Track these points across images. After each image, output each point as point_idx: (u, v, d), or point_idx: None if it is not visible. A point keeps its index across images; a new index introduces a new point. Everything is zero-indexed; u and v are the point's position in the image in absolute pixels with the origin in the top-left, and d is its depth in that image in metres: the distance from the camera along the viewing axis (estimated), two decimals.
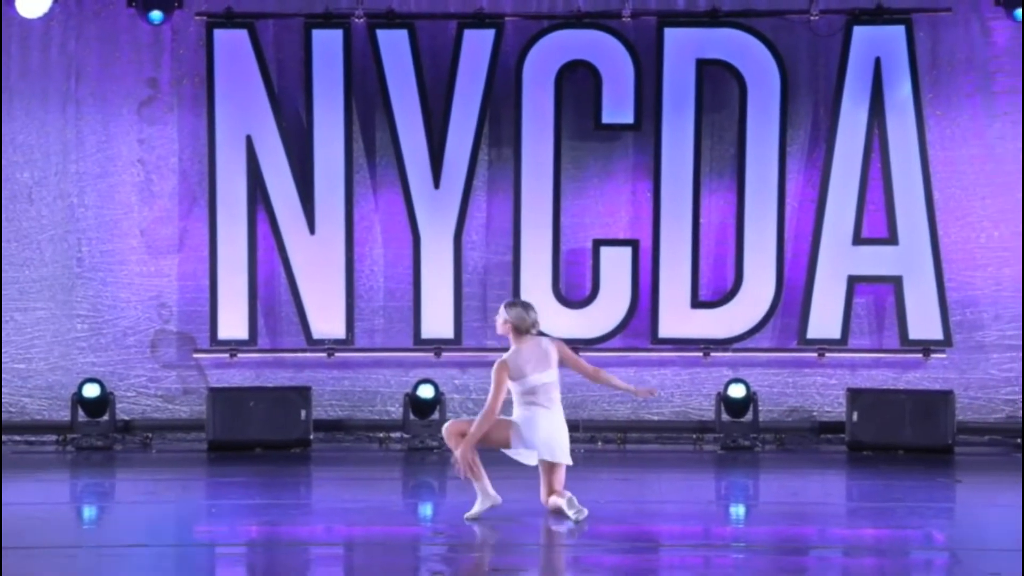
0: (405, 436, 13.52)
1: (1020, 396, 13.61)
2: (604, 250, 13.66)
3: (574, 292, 13.75)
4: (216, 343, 13.67)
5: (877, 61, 13.46)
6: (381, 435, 13.77)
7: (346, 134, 13.59)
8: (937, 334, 13.53)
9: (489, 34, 13.53)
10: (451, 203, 13.58)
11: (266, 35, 13.68)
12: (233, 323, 13.58)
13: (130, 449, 13.44)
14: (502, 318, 10.03)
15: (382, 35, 13.57)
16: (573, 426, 13.69)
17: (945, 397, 13.30)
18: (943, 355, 13.58)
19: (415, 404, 13.46)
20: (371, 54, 13.59)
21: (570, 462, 9.98)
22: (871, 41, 13.45)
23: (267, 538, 9.22)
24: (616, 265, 13.63)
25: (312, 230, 13.65)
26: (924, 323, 13.53)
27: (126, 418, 13.71)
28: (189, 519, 9.92)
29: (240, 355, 13.70)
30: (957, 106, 13.58)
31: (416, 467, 12.69)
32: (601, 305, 13.65)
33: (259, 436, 13.29)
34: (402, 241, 13.72)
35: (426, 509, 10.85)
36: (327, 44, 13.57)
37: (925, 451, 13.05)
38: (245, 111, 13.55)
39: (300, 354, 13.75)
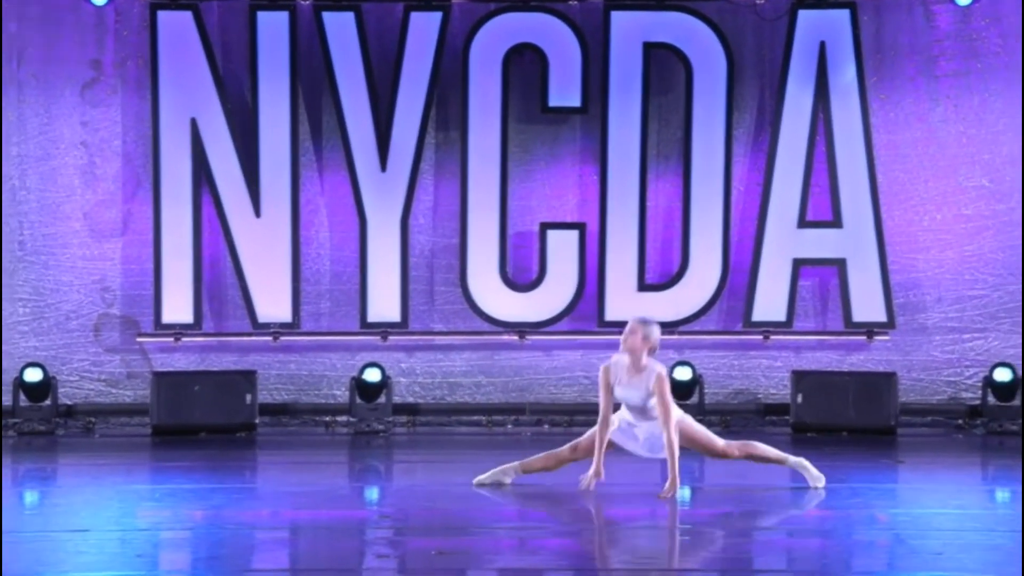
0: (351, 420, 13.46)
1: (975, 379, 13.72)
2: (551, 233, 13.64)
3: (521, 275, 13.73)
4: (160, 327, 13.56)
5: (822, 45, 13.49)
6: (327, 419, 13.70)
7: (292, 117, 13.50)
8: (880, 316, 13.62)
9: (436, 16, 13.47)
10: (398, 186, 13.52)
11: (211, 17, 13.57)
12: (178, 307, 13.48)
13: (73, 434, 13.32)
14: (642, 335, 9.83)
15: (328, 17, 13.48)
16: (519, 409, 13.83)
17: (888, 379, 13.39)
18: (886, 337, 13.67)
19: (361, 388, 13.40)
20: (317, 36, 13.50)
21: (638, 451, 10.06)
22: (816, 25, 13.48)
23: (212, 522, 9.18)
24: (563, 248, 13.61)
25: (258, 213, 13.56)
26: (868, 305, 13.61)
27: (69, 403, 13.59)
28: (132, 504, 9.86)
29: (185, 339, 13.60)
30: (900, 90, 13.65)
31: (362, 451, 12.66)
32: (548, 288, 13.63)
33: (204, 420, 13.20)
34: (348, 224, 13.65)
35: (372, 493, 10.81)
36: (272, 26, 13.47)
37: (868, 432, 13.13)
38: (190, 93, 13.43)
39: (245, 338, 13.66)
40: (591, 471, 9.97)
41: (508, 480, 10.16)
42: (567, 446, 10.20)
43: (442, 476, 11.15)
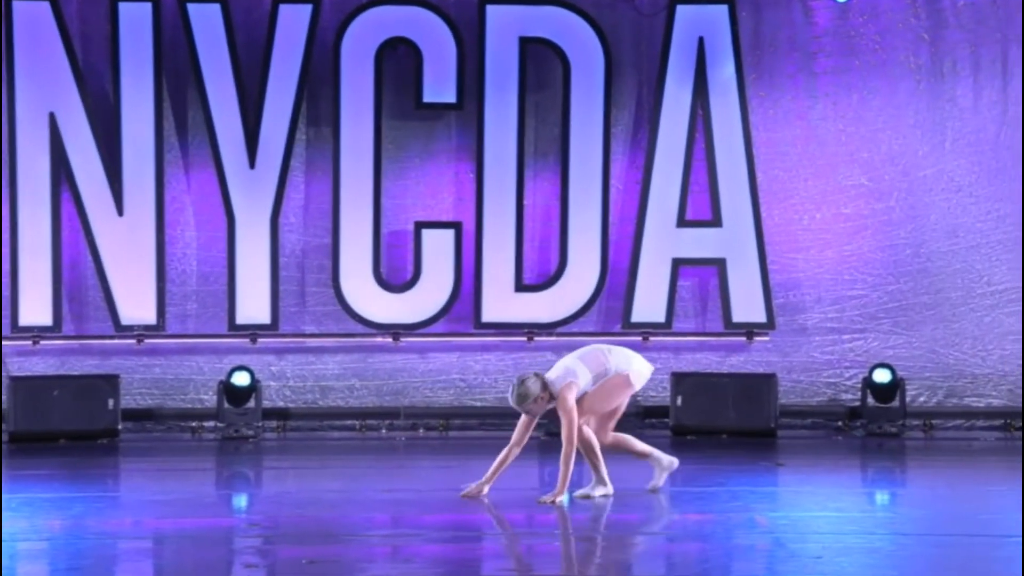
0: (219, 425, 13.33)
1: (855, 380, 13.89)
2: (426, 232, 13.60)
3: (395, 276, 13.67)
4: (17, 329, 13.34)
5: (700, 41, 13.58)
6: (194, 424, 13.57)
7: (156, 112, 13.35)
8: (760, 317, 13.74)
9: (306, 9, 13.38)
10: (267, 184, 13.42)
11: (69, 7, 13.36)
12: (36, 309, 13.27)
13: None
14: (531, 400, 9.75)
15: (193, 9, 13.33)
16: (393, 414, 13.77)
17: (768, 380, 13.50)
18: (766, 338, 13.79)
19: (230, 392, 13.29)
20: (182, 28, 13.35)
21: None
22: (694, 21, 13.56)
23: (71, 533, 9.02)
24: (438, 248, 13.58)
25: (120, 211, 13.38)
26: (747, 306, 13.73)
27: None
28: None
29: (43, 342, 13.38)
30: (780, 87, 13.78)
31: (230, 457, 12.54)
32: (423, 289, 13.59)
33: (63, 426, 13.00)
34: (216, 223, 13.51)
35: (240, 500, 10.71)
36: (135, 17, 13.29)
37: (748, 434, 13.23)
38: (47, 87, 13.22)
39: (108, 340, 13.48)
40: (479, 484, 9.93)
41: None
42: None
43: (314, 483, 11.06)
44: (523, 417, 9.92)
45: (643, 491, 10.24)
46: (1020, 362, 13.73)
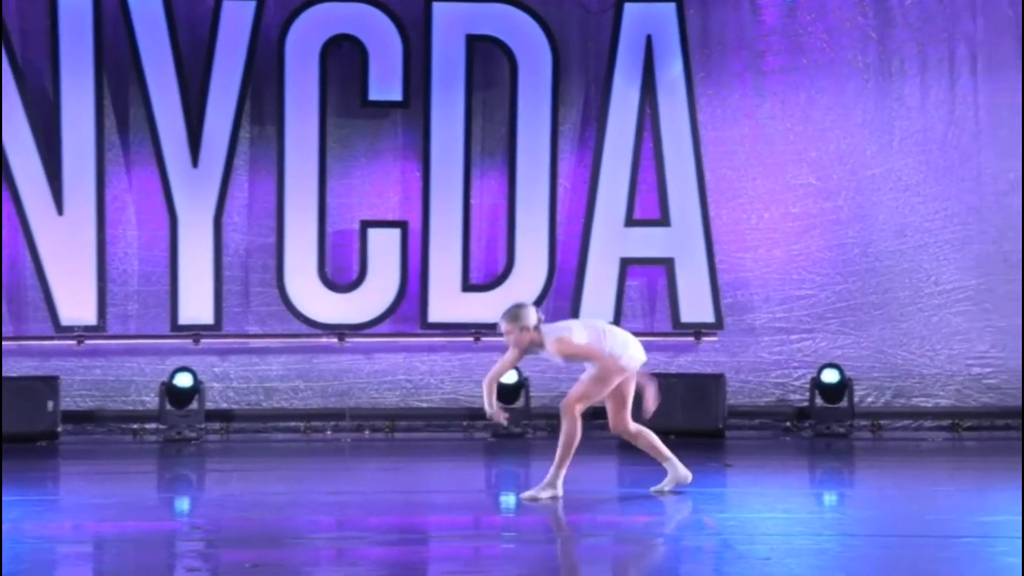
0: (161, 427, 13.26)
1: (803, 380, 13.92)
2: (372, 232, 13.55)
3: (341, 275, 13.62)
4: None
5: (648, 39, 13.58)
6: (135, 426, 13.49)
7: (97, 109, 13.25)
8: (708, 317, 13.75)
9: (249, 6, 13.31)
10: (210, 182, 13.36)
11: (8, 2, 13.23)
12: None
13: None
14: (518, 327, 9.66)
15: (135, 4, 13.24)
16: (339, 415, 13.72)
17: (716, 381, 13.52)
18: (714, 338, 13.80)
19: (172, 393, 13.22)
20: (123, 24, 13.26)
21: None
22: (642, 19, 13.56)
23: (10, 537, 8.91)
24: (384, 247, 13.54)
25: (60, 210, 13.28)
26: (695, 306, 13.74)
27: None
28: None
29: None
30: (728, 86, 13.80)
31: (172, 459, 12.46)
32: (369, 289, 13.55)
33: (2, 429, 12.87)
34: (158, 222, 13.43)
35: (183, 503, 10.63)
36: (75, 13, 13.19)
37: (696, 435, 13.22)
38: None
39: (47, 342, 13.37)
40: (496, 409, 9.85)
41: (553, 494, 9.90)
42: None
43: (257, 485, 11.01)
44: (515, 351, 9.75)
45: (592, 492, 10.21)
46: (966, 362, 13.81)
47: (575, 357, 9.82)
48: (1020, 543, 8.10)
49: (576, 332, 9.79)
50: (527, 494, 9.94)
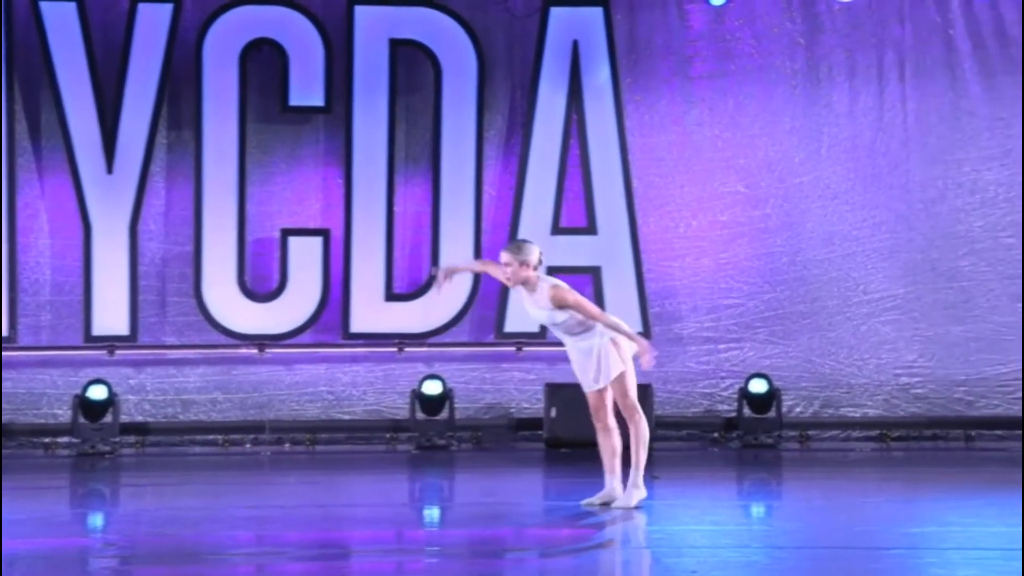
0: (74, 441, 13.12)
1: (731, 390, 13.91)
2: (293, 240, 13.47)
3: (261, 284, 13.53)
4: None
5: (575, 44, 13.57)
6: (47, 440, 13.33)
7: (7, 114, 13.09)
8: (636, 326, 13.67)
9: (166, 8, 13.21)
10: (126, 190, 13.24)
11: None
12: None
13: None
14: (518, 262, 9.67)
15: (46, 7, 13.11)
16: (258, 427, 13.59)
17: (643, 391, 13.36)
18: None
19: (85, 406, 13.08)
20: (35, 27, 13.10)
21: (591, 387, 9.84)
22: (568, 23, 13.55)
23: None
24: (306, 256, 13.45)
25: None
26: (623, 315, 13.44)
27: None
28: None
29: None
30: (655, 91, 13.79)
31: (86, 474, 12.31)
32: (290, 298, 13.46)
33: None
34: (71, 230, 13.29)
35: (96, 519, 10.49)
36: None
37: (624, 447, 13.17)
38: None
39: None
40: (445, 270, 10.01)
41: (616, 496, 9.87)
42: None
43: (174, 500, 10.89)
44: (498, 272, 9.78)
45: (516, 505, 10.16)
46: (894, 372, 13.86)
47: (569, 307, 9.67)
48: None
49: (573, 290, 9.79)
50: (619, 503, 9.80)
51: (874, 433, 13.86)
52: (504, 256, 9.74)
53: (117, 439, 13.11)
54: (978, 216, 13.88)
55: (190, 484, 11.67)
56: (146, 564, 8.51)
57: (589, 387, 9.90)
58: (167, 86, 13.23)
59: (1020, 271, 13.84)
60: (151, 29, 13.16)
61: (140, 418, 13.45)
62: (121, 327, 13.30)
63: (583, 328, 9.79)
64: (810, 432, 13.84)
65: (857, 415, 13.87)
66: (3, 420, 13.29)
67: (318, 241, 13.49)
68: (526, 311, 9.93)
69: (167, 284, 13.44)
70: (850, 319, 13.86)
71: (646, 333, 13.75)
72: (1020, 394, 13.81)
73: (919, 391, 13.85)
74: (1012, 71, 13.79)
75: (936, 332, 13.81)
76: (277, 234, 13.50)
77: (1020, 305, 13.85)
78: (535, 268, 9.72)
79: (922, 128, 13.84)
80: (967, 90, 13.80)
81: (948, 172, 13.87)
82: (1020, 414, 13.77)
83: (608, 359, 9.77)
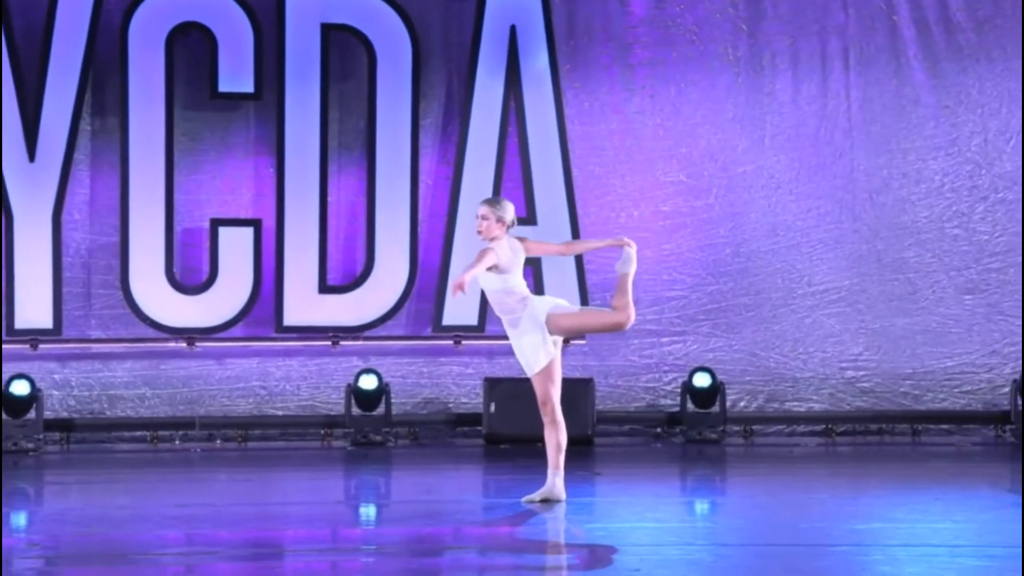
0: None
1: (674, 384, 13.87)
2: (223, 230, 13.38)
3: (190, 276, 13.42)
4: None
5: (512, 29, 13.50)
6: None
7: None
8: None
9: None
10: (48, 178, 13.12)
11: None
12: None
13: None
14: (494, 219, 9.81)
15: None
16: (188, 424, 13.45)
17: (584, 386, 13.42)
18: (583, 341, 13.71)
19: (8, 402, 12.94)
20: None
21: (529, 373, 9.84)
22: (506, 8, 13.49)
23: None
24: (236, 247, 13.38)
25: None
26: (561, 289, 13.45)
27: None
28: None
29: None
30: (595, 79, 13.74)
31: (8, 472, 12.14)
32: (220, 290, 13.38)
33: None
34: None
35: (19, 519, 10.34)
36: None
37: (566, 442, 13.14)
38: None
39: None
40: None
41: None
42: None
43: (100, 498, 10.81)
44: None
45: (455, 502, 10.07)
46: (840, 366, 13.86)
47: (531, 250, 9.98)
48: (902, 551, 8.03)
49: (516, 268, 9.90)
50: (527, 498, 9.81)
51: (819, 428, 13.85)
52: (482, 208, 9.91)
53: (41, 436, 12.97)
54: (923, 207, 13.89)
55: (117, 482, 11.57)
56: (72, 564, 8.40)
57: (531, 372, 9.85)
58: (91, 71, 13.11)
59: (967, 262, 13.86)
60: (73, 12, 13.04)
61: (65, 414, 13.33)
62: (44, 320, 13.18)
63: (523, 307, 9.72)
64: (755, 427, 13.82)
65: (802, 409, 13.85)
66: None
67: (249, 232, 13.38)
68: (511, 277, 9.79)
69: (92, 276, 13.31)
70: (795, 311, 13.84)
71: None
72: (969, 387, 13.86)
73: (865, 385, 13.85)
74: (957, 58, 13.80)
75: (882, 325, 13.82)
76: (207, 224, 13.38)
77: (968, 297, 13.88)
78: (508, 227, 9.86)
79: (866, 117, 13.84)
80: (912, 78, 13.81)
81: (893, 161, 13.87)
82: (969, 408, 13.82)
83: (536, 348, 9.71)
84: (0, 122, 13.02)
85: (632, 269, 10.11)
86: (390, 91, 13.45)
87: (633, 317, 10.00)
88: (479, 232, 9.91)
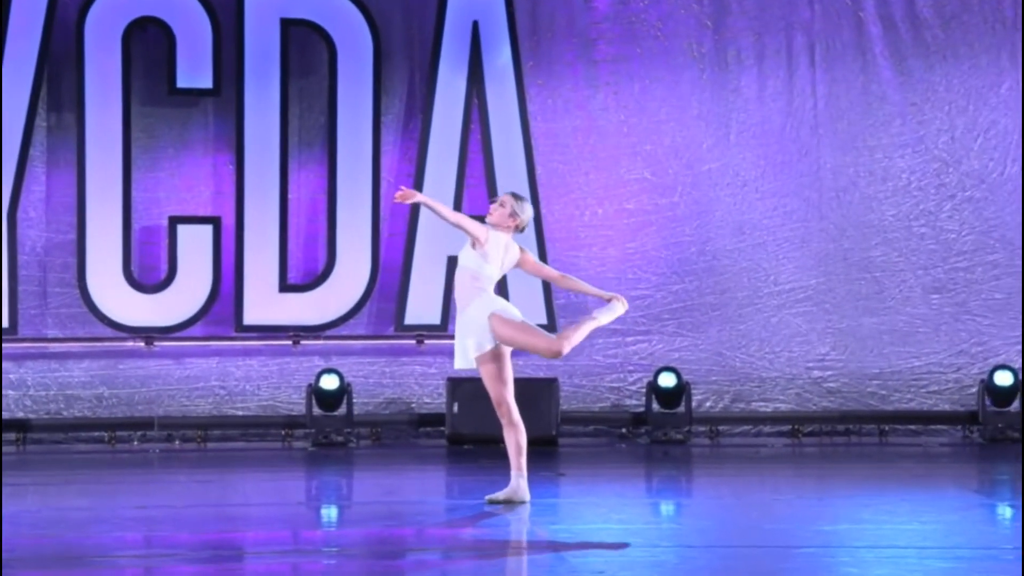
0: None
1: (639, 384, 13.87)
2: (182, 228, 13.35)
3: (148, 275, 13.38)
4: None
5: (475, 25, 13.50)
6: None
7: None
8: (541, 318, 13.61)
9: None
10: (3, 175, 13.00)
11: None
12: None
13: None
14: (510, 210, 9.82)
15: None
16: (146, 424, 13.41)
17: (549, 386, 13.42)
18: None
19: None
20: None
21: (461, 366, 9.86)
22: (468, 3, 13.48)
23: None
24: (195, 245, 13.34)
25: None
26: (527, 306, 13.41)
27: None
28: None
29: None
30: (558, 75, 13.74)
31: None
32: (179, 289, 13.35)
33: None
34: None
35: None
36: None
37: (529, 443, 13.06)
38: None
39: None
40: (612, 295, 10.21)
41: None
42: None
43: (57, 500, 10.75)
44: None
45: (417, 503, 10.05)
46: (806, 365, 13.89)
47: (536, 273, 10.10)
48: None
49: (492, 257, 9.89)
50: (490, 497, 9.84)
51: (786, 428, 13.88)
52: (506, 197, 9.94)
53: None
54: (890, 205, 13.93)
55: (75, 483, 11.52)
56: (28, 568, 8.29)
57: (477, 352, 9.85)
58: (46, 67, 13.07)
59: (934, 261, 13.91)
60: (28, 7, 12.97)
61: (21, 414, 13.26)
62: None
63: (476, 296, 9.81)
64: (720, 427, 13.84)
65: (768, 409, 13.88)
66: None
67: (208, 229, 13.34)
68: (485, 260, 9.80)
69: (48, 274, 13.26)
70: (761, 311, 13.86)
71: (551, 325, 13.70)
72: (936, 388, 13.91)
73: (831, 385, 13.88)
74: (924, 55, 13.85)
75: (848, 324, 13.85)
76: (165, 222, 13.35)
77: (935, 296, 13.93)
78: (516, 227, 9.89)
79: (833, 114, 13.87)
80: (878, 75, 13.84)
81: (859, 159, 13.90)
82: (936, 408, 13.88)
83: (462, 344, 9.81)
84: None
85: (605, 321, 10.13)
86: (351, 87, 13.43)
87: (566, 352, 9.90)
88: (489, 214, 9.95)
